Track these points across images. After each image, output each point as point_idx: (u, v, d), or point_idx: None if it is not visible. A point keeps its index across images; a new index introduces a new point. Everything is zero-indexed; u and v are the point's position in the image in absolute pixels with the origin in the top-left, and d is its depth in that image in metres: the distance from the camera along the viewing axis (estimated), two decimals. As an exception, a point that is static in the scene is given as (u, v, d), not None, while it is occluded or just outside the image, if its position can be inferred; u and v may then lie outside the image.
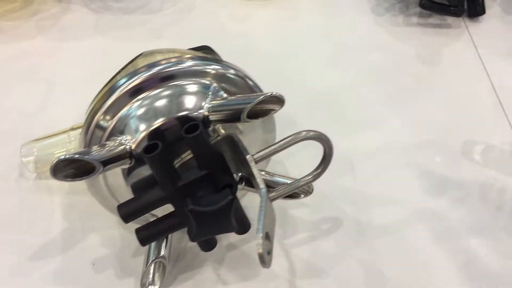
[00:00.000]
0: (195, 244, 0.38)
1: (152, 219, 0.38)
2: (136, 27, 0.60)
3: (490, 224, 0.46)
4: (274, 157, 0.48)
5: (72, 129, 0.45)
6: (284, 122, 0.52)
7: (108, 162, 0.33)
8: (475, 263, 0.44)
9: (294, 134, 0.35)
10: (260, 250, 0.30)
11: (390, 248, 0.45)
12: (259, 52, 0.59)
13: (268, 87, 0.50)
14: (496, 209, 0.47)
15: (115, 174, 0.37)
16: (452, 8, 0.63)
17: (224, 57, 0.50)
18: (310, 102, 0.56)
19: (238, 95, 0.38)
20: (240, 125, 0.39)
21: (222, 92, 0.38)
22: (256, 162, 0.35)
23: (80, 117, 0.40)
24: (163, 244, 0.40)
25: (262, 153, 0.36)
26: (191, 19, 0.62)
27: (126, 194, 0.38)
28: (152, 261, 0.39)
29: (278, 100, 0.34)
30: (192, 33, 0.61)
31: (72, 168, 0.32)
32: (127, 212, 0.34)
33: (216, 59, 0.40)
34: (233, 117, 0.35)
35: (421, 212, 0.47)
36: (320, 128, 0.51)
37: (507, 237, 0.45)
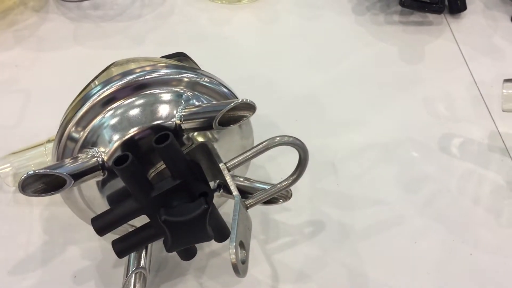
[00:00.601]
0: (175, 253, 0.38)
1: (130, 229, 0.37)
2: (115, 34, 0.60)
3: (471, 220, 0.46)
4: (255, 162, 0.48)
5: (49, 141, 0.45)
6: (265, 125, 0.52)
7: (79, 175, 0.33)
8: (460, 260, 0.43)
9: (268, 140, 0.35)
10: (234, 260, 0.30)
11: (373, 250, 0.44)
12: (239, 55, 0.59)
13: (249, 90, 0.50)
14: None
15: (90, 186, 0.37)
16: (433, 5, 0.63)
17: (204, 61, 0.50)
18: (292, 104, 0.55)
19: (210, 103, 0.38)
20: (216, 133, 0.39)
21: (194, 100, 0.37)
22: (230, 169, 0.35)
23: (56, 129, 0.40)
24: (143, 255, 0.39)
25: (235, 160, 0.35)
26: (171, 24, 0.62)
27: (102, 205, 0.38)
28: (132, 271, 0.39)
29: (249, 107, 0.33)
30: (172, 38, 0.60)
31: (43, 183, 0.32)
32: (101, 225, 0.34)
33: (191, 67, 0.39)
34: (206, 125, 0.35)
35: (403, 212, 0.47)
36: (302, 130, 0.51)
37: (486, 232, 0.45)
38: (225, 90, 0.39)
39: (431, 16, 0.65)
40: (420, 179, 0.49)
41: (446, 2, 0.65)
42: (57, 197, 0.42)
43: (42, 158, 0.44)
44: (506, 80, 0.48)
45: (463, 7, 0.65)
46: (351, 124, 0.54)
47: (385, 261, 0.44)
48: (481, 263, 0.43)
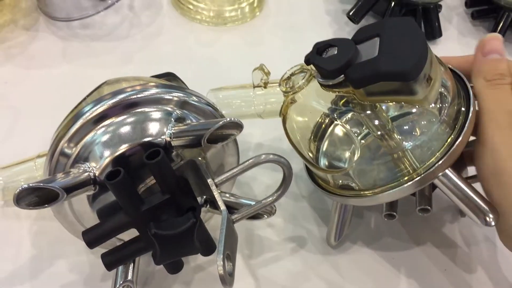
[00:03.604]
0: (162, 267, 0.39)
1: (118, 243, 0.38)
2: (104, 53, 0.61)
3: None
4: (240, 178, 0.49)
5: (39, 156, 0.45)
6: (250, 143, 0.54)
7: (71, 189, 0.34)
8: (435, 273, 0.45)
9: (254, 157, 0.37)
10: (221, 271, 0.31)
11: (354, 265, 0.46)
12: (225, 75, 0.60)
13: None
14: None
15: (81, 201, 0.38)
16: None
17: (191, 81, 0.51)
18: (277, 123, 0.57)
19: (199, 121, 0.39)
20: (203, 150, 0.40)
21: (184, 119, 0.39)
22: (218, 185, 0.36)
23: (46, 145, 0.40)
24: (130, 268, 0.40)
25: (222, 176, 0.37)
26: (159, 45, 0.64)
27: (92, 219, 0.39)
28: (120, 285, 0.39)
29: (237, 125, 0.35)
30: (159, 58, 0.62)
31: (36, 196, 0.33)
32: (91, 238, 0.35)
33: (179, 87, 0.41)
34: (194, 142, 0.36)
35: (381, 226, 0.49)
36: (287, 148, 0.53)
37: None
38: (212, 109, 0.41)
39: (408, 41, 0.68)
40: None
41: (423, 29, 0.68)
42: (45, 211, 0.43)
43: (32, 173, 0.45)
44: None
45: (439, 34, 0.68)
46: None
47: (365, 275, 0.45)
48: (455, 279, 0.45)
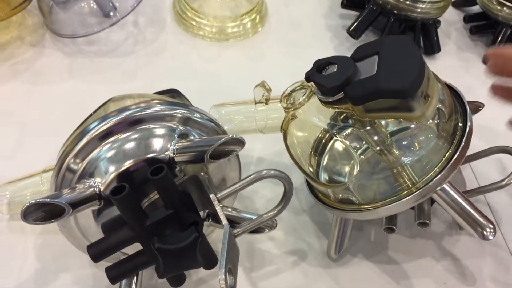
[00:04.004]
0: (165, 280, 0.40)
1: (122, 257, 0.39)
2: (109, 69, 0.62)
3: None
4: (243, 192, 0.50)
5: (45, 171, 0.46)
6: (252, 158, 0.55)
7: (77, 204, 0.35)
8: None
9: (256, 173, 0.37)
10: (223, 285, 0.32)
11: (353, 278, 0.47)
12: (227, 90, 0.61)
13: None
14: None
15: (86, 215, 0.39)
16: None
17: (194, 96, 0.52)
18: (278, 138, 0.58)
19: (202, 138, 0.40)
20: (206, 165, 0.41)
21: (187, 135, 0.40)
22: (220, 200, 0.37)
23: (52, 160, 0.41)
24: (134, 282, 0.41)
25: (225, 192, 0.38)
26: (163, 61, 0.65)
27: (96, 234, 0.39)
28: (123, 298, 0.40)
29: (239, 142, 0.36)
30: (163, 74, 0.63)
31: (43, 211, 0.34)
32: (96, 252, 0.36)
33: (183, 104, 0.42)
34: (197, 158, 0.37)
35: (381, 239, 0.49)
36: (288, 163, 0.54)
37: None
38: (215, 125, 0.42)
39: (408, 56, 0.69)
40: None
41: (422, 44, 0.69)
42: (50, 225, 0.43)
43: (38, 187, 0.46)
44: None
45: (438, 49, 0.69)
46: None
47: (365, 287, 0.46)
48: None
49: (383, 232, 0.45)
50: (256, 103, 0.50)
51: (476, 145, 0.49)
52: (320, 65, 0.39)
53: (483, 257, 0.49)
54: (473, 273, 0.48)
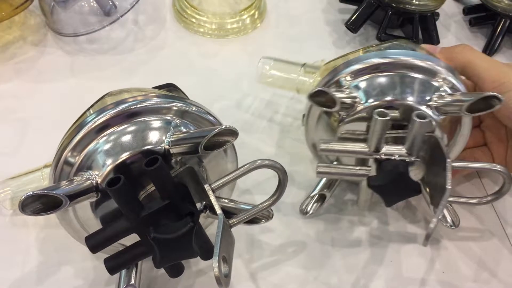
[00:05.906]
0: (164, 272, 0.40)
1: (121, 248, 0.40)
2: (110, 66, 0.63)
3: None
4: (243, 186, 0.51)
5: (46, 166, 0.47)
6: (251, 150, 0.55)
7: (74, 196, 0.35)
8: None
9: (250, 163, 0.38)
10: (216, 273, 0.32)
11: (353, 269, 0.47)
12: (228, 86, 0.62)
13: (238, 120, 0.54)
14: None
15: (84, 207, 0.39)
16: (408, 39, 0.67)
17: (193, 91, 0.53)
18: (276, 133, 0.58)
19: (196, 129, 0.41)
20: (201, 157, 0.42)
21: (182, 127, 0.40)
22: (215, 190, 0.38)
23: (53, 155, 0.42)
24: (133, 273, 0.42)
25: (219, 182, 0.38)
26: (162, 57, 0.65)
27: (95, 226, 0.40)
28: (123, 289, 0.41)
29: (232, 132, 0.36)
30: (163, 70, 0.64)
31: (41, 203, 0.34)
32: (94, 243, 0.37)
33: (179, 97, 0.43)
34: (192, 150, 0.37)
35: (379, 229, 0.50)
36: (288, 156, 0.54)
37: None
38: (211, 118, 0.42)
39: (407, 49, 0.69)
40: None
41: (420, 36, 0.69)
42: (52, 219, 0.45)
43: (39, 183, 0.47)
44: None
45: (437, 41, 0.69)
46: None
47: (364, 279, 0.46)
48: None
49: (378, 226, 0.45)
50: (302, 65, 0.56)
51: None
52: None
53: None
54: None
